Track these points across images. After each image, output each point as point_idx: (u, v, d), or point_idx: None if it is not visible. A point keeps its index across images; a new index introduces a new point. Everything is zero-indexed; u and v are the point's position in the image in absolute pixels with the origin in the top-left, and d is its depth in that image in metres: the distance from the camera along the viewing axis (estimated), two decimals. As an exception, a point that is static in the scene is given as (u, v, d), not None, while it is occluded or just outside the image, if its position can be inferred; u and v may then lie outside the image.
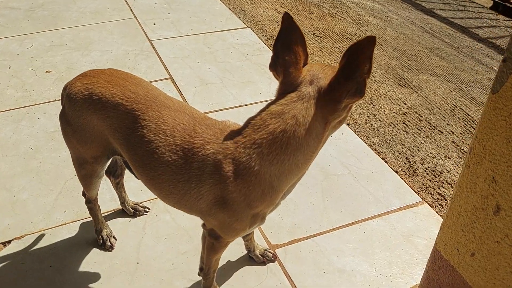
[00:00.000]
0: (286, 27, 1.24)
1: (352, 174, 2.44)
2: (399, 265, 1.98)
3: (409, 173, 2.50)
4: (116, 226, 2.08)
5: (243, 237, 1.93)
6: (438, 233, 1.62)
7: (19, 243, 2.01)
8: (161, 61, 3.30)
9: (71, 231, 2.07)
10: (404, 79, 3.69)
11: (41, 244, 2.00)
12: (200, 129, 1.40)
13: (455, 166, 2.62)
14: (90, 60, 3.27)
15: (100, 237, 1.99)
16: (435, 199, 2.34)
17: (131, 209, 2.14)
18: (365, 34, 4.48)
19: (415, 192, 2.36)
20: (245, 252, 1.99)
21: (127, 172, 2.18)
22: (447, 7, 6.30)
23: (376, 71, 3.69)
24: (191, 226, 2.10)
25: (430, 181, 2.47)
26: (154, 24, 3.75)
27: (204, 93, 2.98)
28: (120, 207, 2.15)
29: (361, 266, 1.97)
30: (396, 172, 2.49)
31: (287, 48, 1.25)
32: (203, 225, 1.55)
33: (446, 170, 2.59)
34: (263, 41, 3.64)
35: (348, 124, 2.83)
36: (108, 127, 1.53)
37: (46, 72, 3.13)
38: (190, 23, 3.82)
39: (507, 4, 5.96)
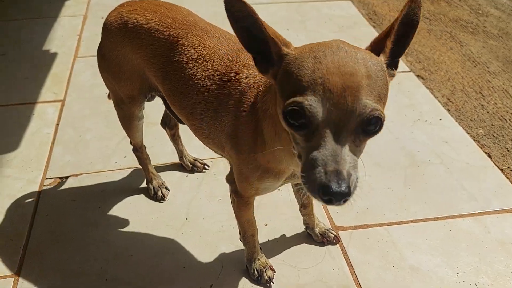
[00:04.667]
0: None
1: (444, 164, 2.07)
2: (489, 274, 1.60)
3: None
4: (171, 179, 1.95)
5: (301, 211, 1.68)
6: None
7: (75, 180, 1.95)
8: (250, 25, 3.13)
9: (127, 176, 1.97)
10: (524, 74, 3.16)
11: (96, 185, 1.93)
12: (244, 55, 1.24)
13: None
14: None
15: (152, 187, 1.86)
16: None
17: (189, 164, 1.99)
18: (483, 25, 3.95)
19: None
20: (301, 227, 1.75)
21: (185, 127, 2.04)
22: None
23: (492, 62, 3.21)
24: (249, 191, 1.90)
25: (541, 184, 2.03)
26: (250, -10, 3.59)
27: (289, 60, 2.76)
28: (179, 161, 2.02)
29: (441, 267, 1.63)
30: (501, 169, 2.07)
31: None
32: (226, 178, 1.40)
33: None
34: (362, 15, 3.31)
35: (449, 110, 2.44)
36: (143, 57, 1.39)
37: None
38: (287, -9, 3.61)
39: None
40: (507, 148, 2.23)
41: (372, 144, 2.15)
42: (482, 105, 2.58)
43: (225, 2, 0.88)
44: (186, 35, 1.32)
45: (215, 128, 1.27)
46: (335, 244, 1.70)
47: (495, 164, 2.10)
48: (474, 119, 2.42)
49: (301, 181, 0.86)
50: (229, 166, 1.40)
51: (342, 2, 3.47)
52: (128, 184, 1.94)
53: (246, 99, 1.17)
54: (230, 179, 1.37)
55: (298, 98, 0.83)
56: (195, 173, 1.99)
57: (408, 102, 2.45)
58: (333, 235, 1.70)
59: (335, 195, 0.81)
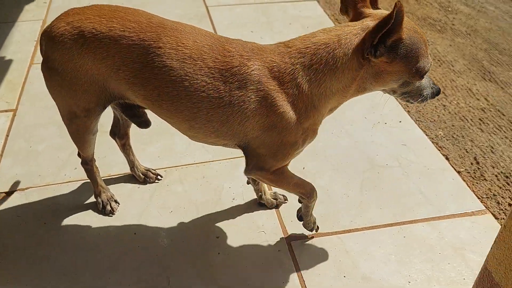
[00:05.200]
0: None
1: (402, 167, 2.05)
2: (441, 282, 1.58)
3: (475, 176, 2.06)
4: (122, 191, 1.90)
5: (254, 183, 1.78)
6: (491, 248, 1.23)
7: (22, 194, 1.89)
8: (213, 27, 3.08)
9: (76, 190, 1.91)
10: (490, 72, 3.16)
11: (43, 199, 1.87)
12: (233, 48, 1.31)
13: (535, 174, 2.12)
14: (142, 21, 3.13)
15: (100, 200, 1.80)
16: (502, 209, 1.89)
17: (141, 175, 1.93)
18: (452, 22, 3.96)
19: (478, 198, 1.92)
20: (253, 237, 1.71)
21: (138, 135, 2.00)
22: (558, 2, 5.47)
23: (457, 60, 3.20)
24: (202, 200, 1.86)
25: (501, 188, 2.01)
26: (216, -10, 3.54)
27: (251, 63, 2.71)
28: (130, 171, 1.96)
29: (393, 276, 1.60)
30: (458, 172, 2.06)
31: None
32: (246, 169, 1.45)
33: (525, 176, 2.11)
34: (328, 16, 3.29)
35: (409, 112, 2.42)
36: (108, 67, 1.34)
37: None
38: (253, -8, 3.57)
39: None
40: (466, 150, 2.22)
41: (330, 148, 2.13)
42: (444, 106, 2.56)
43: (397, 12, 1.10)
44: (158, 37, 1.30)
45: (232, 120, 1.32)
46: (286, 202, 1.85)
47: (452, 166, 2.08)
48: (435, 120, 2.41)
49: (417, 98, 1.37)
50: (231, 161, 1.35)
51: (308, 3, 3.44)
52: (77, 198, 1.88)
53: (269, 87, 1.28)
54: (254, 166, 1.42)
55: (428, 61, 1.29)
56: (148, 184, 1.93)
57: (369, 104, 2.43)
58: (283, 196, 1.85)
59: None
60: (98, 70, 1.37)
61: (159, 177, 1.95)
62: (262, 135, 1.34)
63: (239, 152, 2.07)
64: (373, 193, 1.92)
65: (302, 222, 1.69)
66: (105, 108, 1.50)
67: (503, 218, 1.84)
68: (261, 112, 1.29)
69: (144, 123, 1.59)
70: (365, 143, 2.18)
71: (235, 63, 1.29)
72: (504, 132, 2.42)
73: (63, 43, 1.36)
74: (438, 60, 3.11)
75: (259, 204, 1.85)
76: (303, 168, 2.02)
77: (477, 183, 2.02)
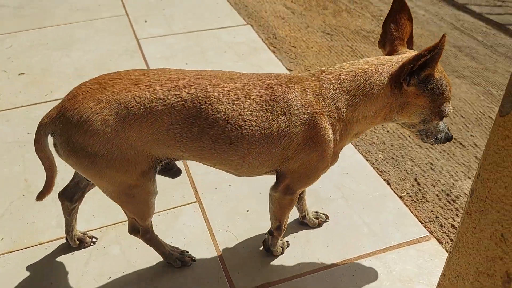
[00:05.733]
0: (396, 7, 1.44)
1: (345, 198, 2.04)
2: (391, 322, 1.57)
3: (417, 198, 2.07)
4: (53, 261, 1.76)
5: (299, 203, 1.86)
6: (440, 280, 1.22)
7: None
8: (145, 62, 2.98)
9: (3, 264, 1.77)
10: (424, 82, 3.24)
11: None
12: (270, 80, 1.41)
13: (475, 190, 2.16)
14: (69, 61, 2.99)
15: (175, 258, 1.73)
16: (446, 232, 1.91)
17: (76, 241, 1.81)
18: (385, 31, 4.01)
19: (422, 223, 1.93)
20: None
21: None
22: (483, 2, 5.72)
23: (392, 73, 3.25)
24: (142, 262, 1.76)
25: (442, 208, 2.04)
26: (146, 22, 3.44)
27: (187, 99, 2.63)
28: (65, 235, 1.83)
29: (344, 321, 1.57)
30: (400, 197, 2.06)
31: (396, 25, 1.44)
32: (275, 187, 1.53)
33: (465, 193, 2.15)
34: (262, 40, 3.26)
35: (348, 136, 2.42)
36: (156, 131, 1.33)
37: (19, 74, 2.87)
38: (184, 19, 3.49)
39: (551, -4, 5.33)
40: (406, 171, 2.24)
41: (266, 186, 2.08)
42: (382, 125, 2.58)
43: (441, 44, 1.20)
44: (203, 87, 1.34)
45: (278, 146, 1.39)
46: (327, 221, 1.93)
47: (394, 191, 2.09)
48: (374, 142, 2.42)
49: (431, 138, 1.50)
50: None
51: (241, 28, 3.40)
52: (5, 272, 1.73)
53: (313, 110, 1.37)
54: (284, 186, 1.50)
55: (449, 107, 1.40)
56: (82, 249, 1.81)
57: (309, 132, 2.40)
58: (324, 215, 1.93)
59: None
60: (145, 138, 1.33)
61: (94, 239, 1.84)
62: (302, 156, 1.41)
63: (178, 201, 1.98)
64: (319, 230, 1.89)
65: (269, 251, 1.78)
66: (156, 170, 1.45)
67: (447, 242, 1.85)
68: (305, 134, 1.38)
69: (178, 172, 1.60)
70: (307, 175, 2.15)
71: (278, 92, 1.37)
72: (441, 145, 2.47)
73: (103, 122, 1.28)
74: (374, 75, 3.14)
75: (301, 223, 1.92)
76: (247, 210, 1.97)
77: (419, 206, 2.03)
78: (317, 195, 2.05)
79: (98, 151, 1.31)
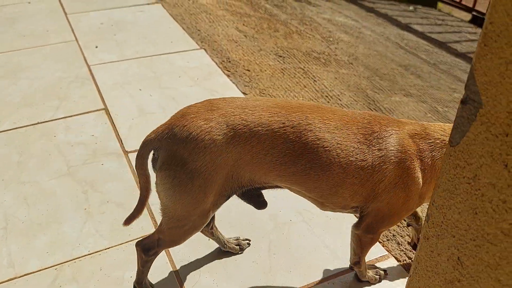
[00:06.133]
0: None
1: (306, 221, 2.06)
2: None
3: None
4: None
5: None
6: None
7: None
8: (98, 88, 2.92)
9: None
10: (374, 101, 3.35)
11: None
12: (369, 116, 1.47)
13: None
14: (16, 89, 2.88)
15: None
16: (403, 250, 1.96)
17: (235, 246, 1.89)
18: (335, 53, 4.15)
19: (380, 242, 1.98)
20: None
21: (22, 228, 1.79)
22: (424, 21, 6.04)
23: (344, 93, 3.35)
24: None
25: (399, 226, 2.10)
26: (96, 47, 3.38)
27: (141, 126, 2.59)
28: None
29: None
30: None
31: None
32: (357, 224, 1.58)
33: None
34: (216, 64, 3.27)
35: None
36: (254, 154, 1.39)
37: (-38, 105, 2.74)
38: (136, 45, 3.45)
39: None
40: (363, 191, 2.29)
41: (234, 212, 2.08)
42: (338, 146, 2.64)
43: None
44: (305, 115, 1.41)
45: (370, 181, 1.43)
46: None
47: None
48: (331, 163, 2.47)
49: None
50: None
51: (195, 52, 3.40)
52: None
53: (408, 150, 1.43)
54: (368, 225, 1.54)
55: None
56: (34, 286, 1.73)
57: (267, 155, 2.42)
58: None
59: None
60: (241, 160, 1.39)
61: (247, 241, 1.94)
62: (391, 195, 1.45)
63: (137, 233, 1.94)
64: (281, 255, 1.90)
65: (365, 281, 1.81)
66: (228, 198, 1.49)
67: (405, 260, 1.90)
68: (397, 173, 1.42)
69: (265, 203, 1.63)
70: (267, 199, 2.16)
71: (376, 128, 1.44)
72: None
73: (211, 141, 1.34)
74: (326, 96, 3.23)
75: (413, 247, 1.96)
76: (208, 239, 1.95)
77: (376, 225, 2.08)
78: (276, 219, 2.06)
79: (198, 169, 1.35)
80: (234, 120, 1.37)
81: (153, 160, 1.43)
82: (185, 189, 1.39)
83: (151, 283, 1.72)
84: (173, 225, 1.49)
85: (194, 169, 1.35)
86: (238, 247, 1.89)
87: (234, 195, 1.52)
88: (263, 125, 1.38)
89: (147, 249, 1.55)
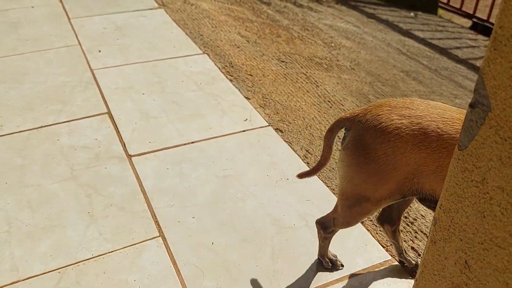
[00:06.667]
0: None
1: (309, 226, 2.06)
2: None
3: (377, 223, 2.12)
4: None
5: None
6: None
7: None
8: (101, 93, 2.92)
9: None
10: (376, 106, 3.36)
11: None
12: None
13: (430, 211, 2.25)
14: (19, 93, 2.88)
15: (328, 259, 1.86)
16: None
17: (412, 261, 1.85)
18: (336, 58, 4.17)
19: (383, 247, 1.98)
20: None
21: (24, 232, 1.80)
22: (425, 27, 6.06)
23: (346, 98, 3.36)
24: None
25: (402, 230, 2.10)
26: (100, 52, 3.39)
27: (144, 130, 2.60)
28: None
29: None
30: (362, 222, 2.11)
31: None
32: None
33: (421, 215, 2.23)
34: (219, 68, 3.28)
35: (308, 163, 2.47)
36: (440, 167, 1.34)
37: (-34, 109, 2.74)
38: (140, 49, 3.46)
39: (486, 23, 5.73)
40: (366, 196, 2.29)
41: (236, 216, 2.08)
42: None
43: None
44: None
45: None
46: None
47: (356, 217, 2.13)
48: (333, 168, 2.47)
49: None
50: None
51: (198, 57, 3.41)
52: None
53: None
54: None
55: None
56: (40, 293, 1.73)
57: (270, 160, 2.43)
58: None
59: None
60: (422, 166, 1.36)
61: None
62: None
63: (140, 237, 1.94)
64: (285, 260, 1.90)
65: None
66: (404, 197, 1.49)
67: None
68: None
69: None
70: (270, 204, 2.17)
71: None
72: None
73: (397, 136, 1.35)
74: (329, 101, 3.24)
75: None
76: (212, 243, 1.94)
77: (380, 230, 2.08)
78: (280, 224, 2.06)
79: (377, 157, 1.40)
80: (430, 126, 1.35)
81: (343, 139, 1.52)
82: (360, 172, 1.46)
83: (333, 254, 1.88)
84: (345, 205, 1.59)
85: (374, 156, 1.40)
86: (338, 264, 1.89)
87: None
88: (456, 139, 1.35)
89: (325, 227, 1.71)
